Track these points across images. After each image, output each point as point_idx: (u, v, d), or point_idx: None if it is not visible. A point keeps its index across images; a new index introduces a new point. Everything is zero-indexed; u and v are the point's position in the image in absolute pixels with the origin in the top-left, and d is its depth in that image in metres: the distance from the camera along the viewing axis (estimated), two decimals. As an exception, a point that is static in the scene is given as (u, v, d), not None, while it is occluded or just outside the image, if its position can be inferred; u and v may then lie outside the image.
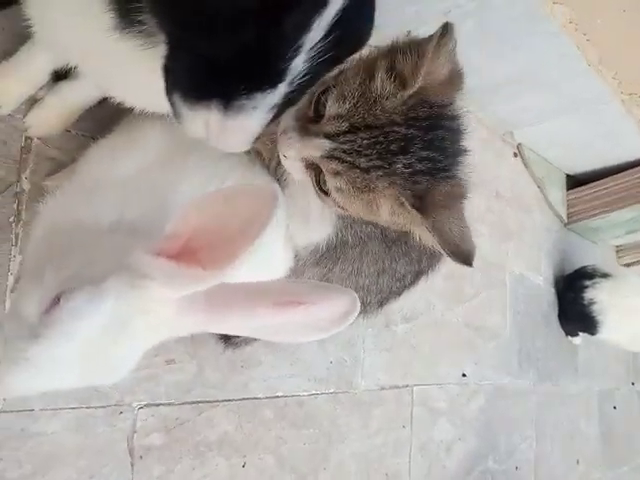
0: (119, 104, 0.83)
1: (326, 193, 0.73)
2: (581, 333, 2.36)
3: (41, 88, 0.85)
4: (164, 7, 0.47)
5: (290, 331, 0.59)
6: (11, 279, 0.83)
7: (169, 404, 0.99)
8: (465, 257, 0.67)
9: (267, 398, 1.15)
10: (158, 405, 0.97)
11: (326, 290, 0.65)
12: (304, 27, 0.43)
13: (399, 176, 0.66)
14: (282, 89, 0.46)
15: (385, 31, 1.50)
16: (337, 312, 0.59)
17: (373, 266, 0.89)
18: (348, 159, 0.66)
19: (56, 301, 0.51)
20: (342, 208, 0.74)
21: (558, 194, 2.39)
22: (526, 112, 1.91)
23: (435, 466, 1.58)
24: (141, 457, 0.94)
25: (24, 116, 0.86)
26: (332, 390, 1.29)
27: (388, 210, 0.70)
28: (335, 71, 0.70)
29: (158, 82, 0.58)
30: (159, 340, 0.58)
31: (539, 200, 2.28)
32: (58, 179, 0.86)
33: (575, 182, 2.43)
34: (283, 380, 1.19)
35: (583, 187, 2.39)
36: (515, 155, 2.16)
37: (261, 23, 0.42)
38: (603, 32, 1.54)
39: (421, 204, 0.67)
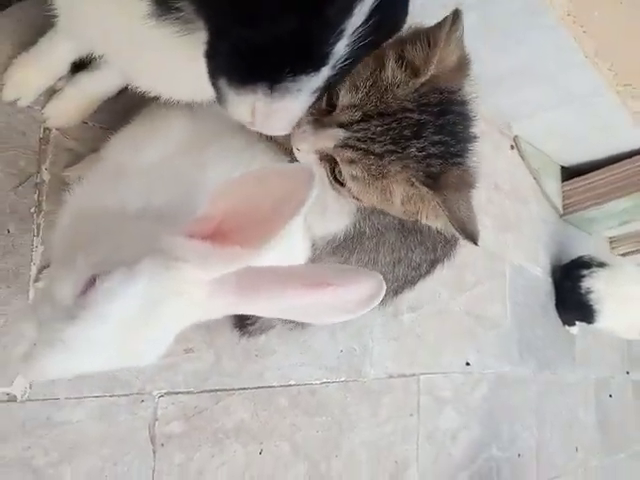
0: (135, 96, 0.84)
1: (341, 184, 0.74)
2: (578, 322, 2.40)
3: (60, 79, 0.86)
4: None
5: (317, 312, 0.61)
6: (34, 269, 0.83)
7: (188, 392, 1.00)
8: (471, 235, 0.70)
9: (281, 386, 1.17)
10: (177, 393, 0.98)
11: (353, 273, 0.66)
12: (347, 12, 0.44)
13: (412, 159, 0.68)
14: (325, 73, 0.46)
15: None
16: (363, 294, 0.60)
17: (389, 256, 0.90)
18: (362, 146, 0.68)
19: (90, 283, 0.52)
20: (357, 198, 0.75)
21: (554, 186, 2.42)
22: (524, 104, 1.94)
23: (442, 454, 1.60)
24: (162, 445, 0.95)
25: (42, 107, 0.86)
26: (343, 378, 1.31)
27: (401, 196, 0.71)
28: None
29: (191, 70, 0.59)
30: (191, 322, 0.59)
31: (536, 192, 2.31)
32: (78, 170, 0.87)
33: (570, 174, 2.46)
34: (295, 369, 1.20)
35: (578, 178, 2.43)
36: (512, 147, 2.19)
37: (305, 8, 0.43)
38: (600, 24, 1.57)
39: (433, 184, 0.70)
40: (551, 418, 2.20)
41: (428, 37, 0.68)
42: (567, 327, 2.42)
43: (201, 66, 0.53)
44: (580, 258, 2.35)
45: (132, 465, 0.91)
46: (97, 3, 0.60)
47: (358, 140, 0.68)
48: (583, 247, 2.51)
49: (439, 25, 0.69)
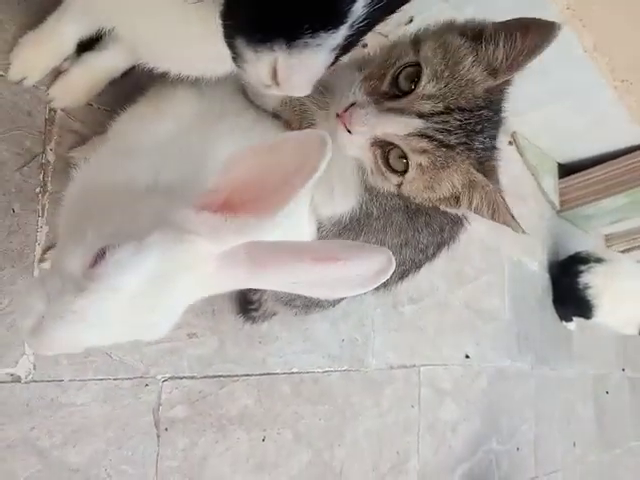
0: (140, 79, 0.84)
1: (393, 171, 0.74)
2: (576, 318, 2.41)
3: (65, 60, 0.85)
4: None
5: (327, 286, 0.60)
6: (38, 249, 0.83)
7: (192, 377, 1.00)
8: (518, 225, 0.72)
9: (284, 374, 1.16)
10: (182, 378, 0.98)
11: (362, 248, 0.67)
12: None
13: (475, 152, 0.70)
14: (344, 31, 0.46)
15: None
16: (373, 269, 0.60)
17: (397, 237, 0.90)
18: (439, 137, 0.68)
19: (100, 255, 0.52)
20: (402, 185, 0.75)
21: (550, 182, 2.44)
22: (521, 99, 1.94)
23: (442, 446, 1.60)
24: (166, 429, 0.95)
25: (48, 88, 0.86)
26: (345, 368, 1.31)
27: (451, 185, 0.72)
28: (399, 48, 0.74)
29: (203, 42, 0.59)
30: (201, 296, 0.59)
31: (533, 188, 2.32)
32: (84, 151, 0.87)
33: (567, 170, 2.48)
34: (298, 356, 1.20)
35: (575, 175, 2.44)
36: (510, 143, 2.20)
37: None
38: (599, 18, 1.58)
39: (484, 173, 0.72)
40: (549, 413, 2.21)
41: (514, 42, 0.68)
42: (564, 323, 2.43)
43: (214, 38, 0.53)
44: (578, 254, 2.37)
45: (136, 449, 0.91)
46: None
47: (436, 131, 0.68)
48: (579, 244, 2.53)
49: (533, 35, 0.68)
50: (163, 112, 0.75)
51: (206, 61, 0.66)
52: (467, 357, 1.75)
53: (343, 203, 0.88)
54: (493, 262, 1.94)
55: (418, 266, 0.97)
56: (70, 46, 0.82)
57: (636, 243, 2.91)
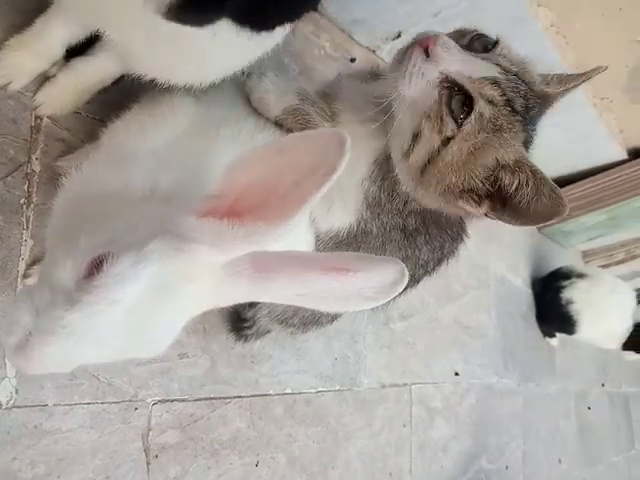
0: (129, 88, 0.81)
1: (454, 119, 0.70)
2: (558, 334, 2.41)
3: (53, 65, 0.81)
4: None
5: (337, 298, 0.57)
6: (22, 264, 0.78)
7: (183, 400, 0.94)
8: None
9: (277, 395, 1.12)
10: (172, 401, 0.93)
11: (374, 259, 0.64)
12: None
13: (526, 132, 0.72)
14: None
15: (377, 30, 1.53)
16: (385, 281, 0.57)
17: (396, 254, 0.87)
18: (509, 94, 0.69)
19: (95, 265, 0.48)
20: (450, 143, 0.71)
21: (532, 199, 2.46)
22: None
23: (434, 465, 1.57)
24: (156, 456, 0.89)
25: (34, 94, 0.81)
26: (337, 388, 1.27)
27: (492, 159, 0.70)
28: None
29: (190, 47, 0.56)
30: (202, 310, 0.55)
31: (515, 204, 2.33)
32: (71, 160, 0.82)
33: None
34: (291, 376, 1.16)
35: (555, 191, 2.47)
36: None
37: None
38: (581, 36, 1.61)
39: None
40: (535, 429, 2.19)
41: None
42: (547, 339, 2.43)
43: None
44: (559, 269, 2.38)
45: (126, 478, 0.85)
46: None
47: (507, 87, 0.70)
48: (558, 260, 2.55)
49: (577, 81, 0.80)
50: (160, 119, 0.71)
51: (194, 66, 0.64)
52: (456, 374, 1.73)
53: (341, 218, 0.85)
54: (480, 278, 1.93)
55: (417, 281, 0.95)
56: (58, 50, 0.78)
57: (613, 259, 2.95)
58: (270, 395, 1.10)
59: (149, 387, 0.90)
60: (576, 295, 2.26)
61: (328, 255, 0.71)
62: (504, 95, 0.70)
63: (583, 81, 0.78)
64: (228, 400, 1.02)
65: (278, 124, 0.79)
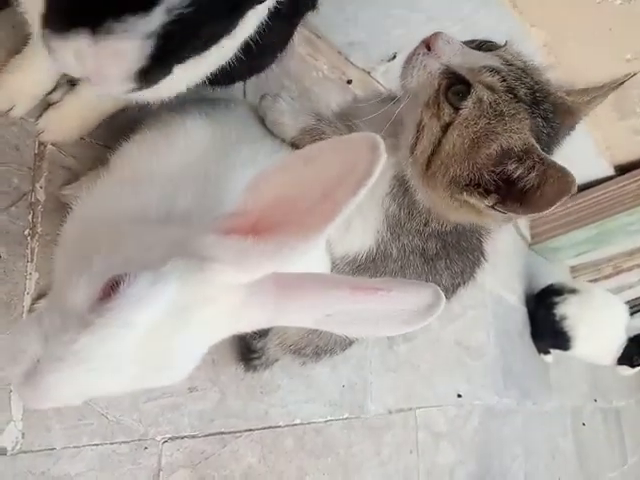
0: (135, 112, 0.78)
1: (451, 105, 0.70)
2: (553, 350, 2.41)
3: (56, 89, 0.78)
4: None
5: (367, 322, 0.53)
6: (28, 299, 0.73)
7: (193, 436, 0.90)
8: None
9: (287, 426, 1.08)
10: (183, 438, 0.88)
11: (406, 281, 0.61)
12: None
13: (535, 121, 0.69)
14: (159, 16, 0.42)
15: (373, 51, 1.52)
16: (421, 304, 0.55)
17: (416, 279, 0.85)
18: (512, 82, 0.69)
19: (110, 287, 0.45)
20: (450, 128, 0.70)
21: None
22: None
23: (441, 492, 1.53)
24: (168, 498, 0.84)
25: (37, 120, 0.78)
26: (345, 416, 1.23)
27: (496, 146, 0.68)
28: None
29: None
30: (223, 335, 0.52)
31: (507, 222, 2.34)
32: (76, 188, 0.78)
33: (537, 204, 2.52)
34: (300, 406, 1.12)
35: (544, 208, 2.49)
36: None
37: None
38: (572, 55, 1.63)
39: None
40: (536, 448, 2.17)
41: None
42: (542, 355, 2.42)
43: None
44: (552, 286, 2.39)
45: (136, 523, 0.80)
46: None
47: (509, 75, 0.69)
48: (548, 276, 2.55)
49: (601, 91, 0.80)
50: (174, 142, 0.69)
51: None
52: (459, 396, 1.70)
53: (360, 241, 0.82)
54: (477, 297, 1.92)
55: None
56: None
57: (601, 274, 2.98)
58: (280, 427, 1.06)
59: (159, 424, 0.85)
60: (569, 311, 2.27)
61: (357, 278, 0.68)
62: (504, 81, 0.69)
63: (608, 91, 0.77)
64: (239, 434, 0.98)
65: (294, 145, 0.76)
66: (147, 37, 0.42)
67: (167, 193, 0.60)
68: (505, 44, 0.76)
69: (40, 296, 0.74)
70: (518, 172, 0.67)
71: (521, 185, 0.67)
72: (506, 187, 0.68)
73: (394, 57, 1.54)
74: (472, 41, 0.76)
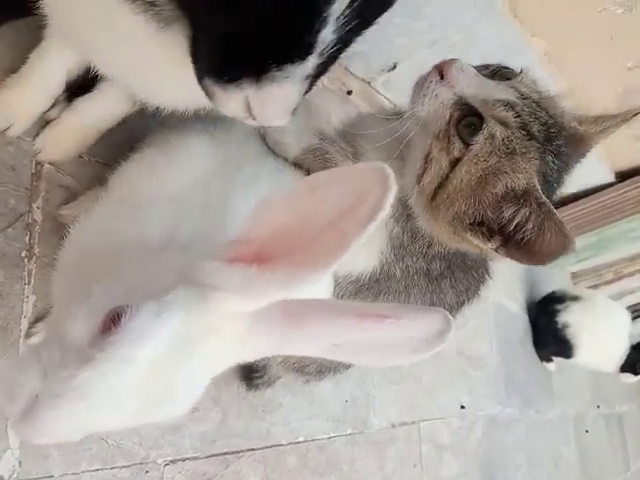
0: (136, 129, 0.76)
1: (462, 139, 0.69)
2: (555, 358, 2.39)
3: (53, 107, 0.77)
4: None
5: (376, 349, 0.52)
6: (25, 323, 0.72)
7: (195, 458, 0.88)
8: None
9: (290, 444, 1.06)
10: (184, 460, 0.87)
11: (414, 307, 0.60)
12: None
13: (544, 161, 0.67)
14: (313, 60, 0.45)
15: (373, 61, 1.51)
16: (430, 330, 0.53)
17: (420, 299, 0.84)
18: (526, 118, 0.67)
19: (111, 320, 0.43)
20: (459, 164, 0.68)
21: (522, 223, 2.46)
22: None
23: (445, 505, 1.51)
24: (169, 523, 0.83)
25: (34, 139, 0.77)
26: (349, 431, 1.22)
27: (502, 186, 0.66)
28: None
29: (178, 70, 0.53)
30: (227, 365, 0.50)
31: (508, 229, 2.33)
32: (75, 208, 0.77)
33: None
34: (303, 423, 1.10)
35: (545, 215, 2.48)
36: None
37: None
38: (573, 63, 1.62)
39: None
40: (539, 457, 2.15)
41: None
42: (545, 363, 2.41)
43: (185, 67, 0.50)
44: (553, 293, 2.37)
45: None
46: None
47: (523, 111, 0.67)
48: (549, 282, 2.54)
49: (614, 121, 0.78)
50: (175, 162, 0.67)
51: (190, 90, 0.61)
52: (462, 407, 1.68)
53: (364, 261, 0.81)
54: (479, 306, 1.90)
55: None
56: (57, 86, 0.73)
57: (602, 280, 2.96)
58: (282, 445, 1.05)
59: (160, 447, 0.84)
60: (572, 318, 2.25)
61: (364, 303, 0.67)
62: (518, 117, 0.67)
63: (620, 122, 0.76)
64: (241, 454, 0.96)
65: (297, 165, 0.75)
66: (305, 80, 0.46)
67: (168, 216, 0.59)
68: (520, 72, 0.74)
69: (38, 319, 0.73)
70: (516, 220, 0.66)
71: (519, 235, 0.66)
72: (507, 229, 0.67)
73: (394, 67, 1.53)
74: (486, 66, 0.74)
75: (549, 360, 2.40)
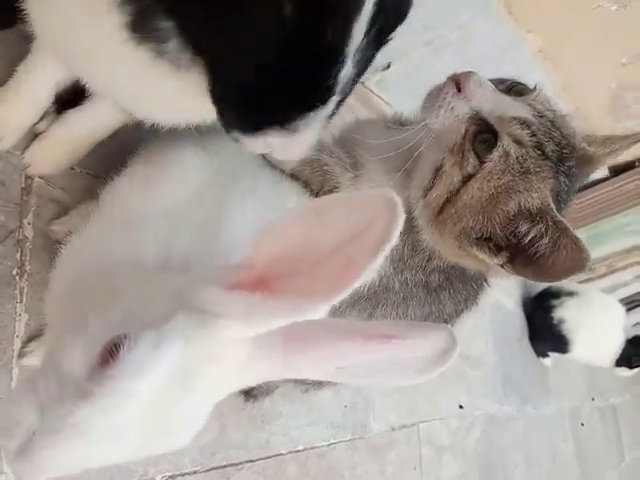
0: (128, 139, 0.74)
1: (477, 155, 0.67)
2: (552, 353, 2.40)
3: (42, 120, 0.75)
4: (201, 36, 0.45)
5: (381, 371, 0.51)
6: (18, 342, 0.70)
7: (194, 472, 0.87)
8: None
9: (289, 453, 1.05)
10: (184, 475, 0.85)
11: (418, 325, 0.59)
12: (345, 40, 0.42)
13: (557, 181, 0.67)
14: (334, 100, 0.46)
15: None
16: (435, 350, 0.52)
17: (419, 310, 0.82)
18: (541, 137, 0.66)
19: (108, 350, 0.42)
20: (471, 180, 0.67)
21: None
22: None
23: (446, 507, 1.51)
24: (170, 540, 0.81)
25: (23, 152, 0.74)
26: (349, 437, 1.21)
27: (514, 204, 0.65)
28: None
29: (172, 93, 0.54)
30: (229, 392, 0.49)
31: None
32: (66, 223, 0.75)
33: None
34: (302, 430, 1.09)
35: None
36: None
37: (302, 48, 0.42)
38: (568, 60, 1.61)
39: None
40: (537, 454, 2.16)
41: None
42: (541, 359, 2.41)
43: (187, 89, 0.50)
44: (549, 289, 2.37)
45: None
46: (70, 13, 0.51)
47: (539, 130, 0.67)
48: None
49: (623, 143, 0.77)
50: (169, 176, 0.65)
51: (186, 109, 0.60)
52: (461, 407, 1.68)
53: None
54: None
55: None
56: (45, 99, 0.71)
57: (595, 273, 2.97)
58: (282, 455, 1.03)
59: (158, 463, 0.82)
60: (567, 314, 2.26)
61: (368, 323, 0.66)
62: (534, 136, 0.67)
63: (630, 144, 0.75)
64: (240, 466, 0.95)
65: (294, 176, 0.73)
66: (325, 120, 0.47)
67: (163, 234, 0.57)
68: (535, 88, 0.73)
69: (31, 339, 0.71)
70: (531, 235, 0.64)
71: (532, 250, 0.64)
72: (517, 245, 0.66)
73: (388, 66, 1.51)
74: (502, 81, 0.73)
75: (545, 356, 2.41)
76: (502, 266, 0.68)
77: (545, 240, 0.63)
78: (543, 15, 1.44)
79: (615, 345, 2.31)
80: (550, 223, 0.64)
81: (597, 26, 1.47)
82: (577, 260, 0.62)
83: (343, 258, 0.41)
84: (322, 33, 0.41)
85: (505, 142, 0.65)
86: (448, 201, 0.68)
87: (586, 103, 1.83)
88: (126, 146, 0.73)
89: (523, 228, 0.65)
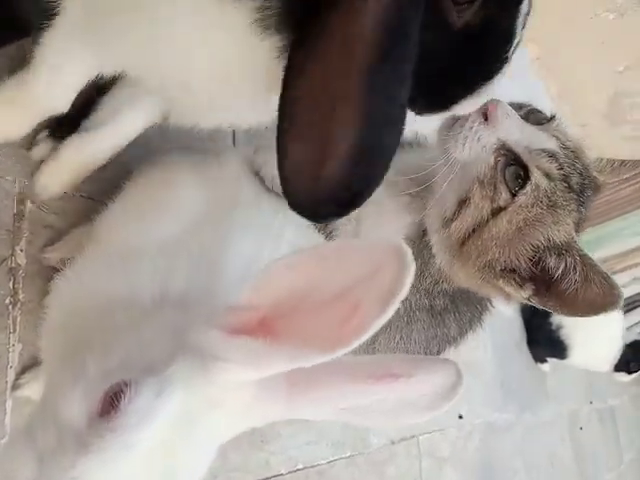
0: (123, 161, 0.73)
1: (507, 187, 0.67)
2: (550, 358, 2.39)
3: (38, 144, 0.73)
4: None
5: (387, 410, 0.50)
6: (12, 374, 0.69)
7: (194, 499, 0.86)
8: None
9: (289, 473, 1.04)
10: (183, 502, 0.84)
11: (422, 360, 0.57)
12: (515, 22, 0.50)
13: (580, 213, 0.68)
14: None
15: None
16: (442, 385, 0.51)
17: (423, 333, 0.81)
18: (567, 170, 0.67)
19: (109, 400, 0.41)
20: (502, 212, 0.66)
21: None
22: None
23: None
24: None
25: (15, 177, 0.73)
26: (348, 454, 1.20)
27: (543, 237, 0.65)
28: None
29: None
30: (232, 435, 0.48)
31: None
32: (60, 249, 0.74)
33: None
34: (302, 449, 1.08)
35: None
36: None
37: (485, 39, 0.50)
38: (565, 67, 1.61)
39: None
40: (536, 460, 2.16)
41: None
42: (539, 364, 2.41)
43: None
44: (547, 294, 2.37)
45: None
46: None
47: (565, 162, 0.67)
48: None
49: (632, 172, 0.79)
50: (165, 204, 0.63)
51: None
52: (460, 417, 1.67)
53: None
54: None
55: (439, 353, 0.89)
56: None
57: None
58: (282, 475, 1.02)
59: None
60: (565, 319, 2.25)
61: (372, 359, 0.64)
62: (561, 169, 0.66)
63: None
64: (241, 488, 0.94)
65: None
66: None
67: (159, 268, 0.56)
68: (553, 117, 0.72)
69: (24, 369, 0.69)
70: (560, 269, 0.64)
71: (563, 285, 0.64)
72: (541, 276, 0.65)
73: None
74: (520, 106, 0.72)
75: (543, 361, 2.41)
76: (528, 299, 0.67)
77: (576, 275, 0.63)
78: (540, 24, 1.43)
79: (613, 350, 2.31)
80: (577, 257, 0.63)
81: (594, 34, 1.47)
82: (609, 296, 0.61)
83: (350, 304, 0.39)
84: (497, 25, 0.50)
85: (536, 175, 0.65)
86: (473, 232, 0.67)
87: (583, 109, 1.82)
88: (122, 167, 0.72)
89: (551, 261, 0.65)
